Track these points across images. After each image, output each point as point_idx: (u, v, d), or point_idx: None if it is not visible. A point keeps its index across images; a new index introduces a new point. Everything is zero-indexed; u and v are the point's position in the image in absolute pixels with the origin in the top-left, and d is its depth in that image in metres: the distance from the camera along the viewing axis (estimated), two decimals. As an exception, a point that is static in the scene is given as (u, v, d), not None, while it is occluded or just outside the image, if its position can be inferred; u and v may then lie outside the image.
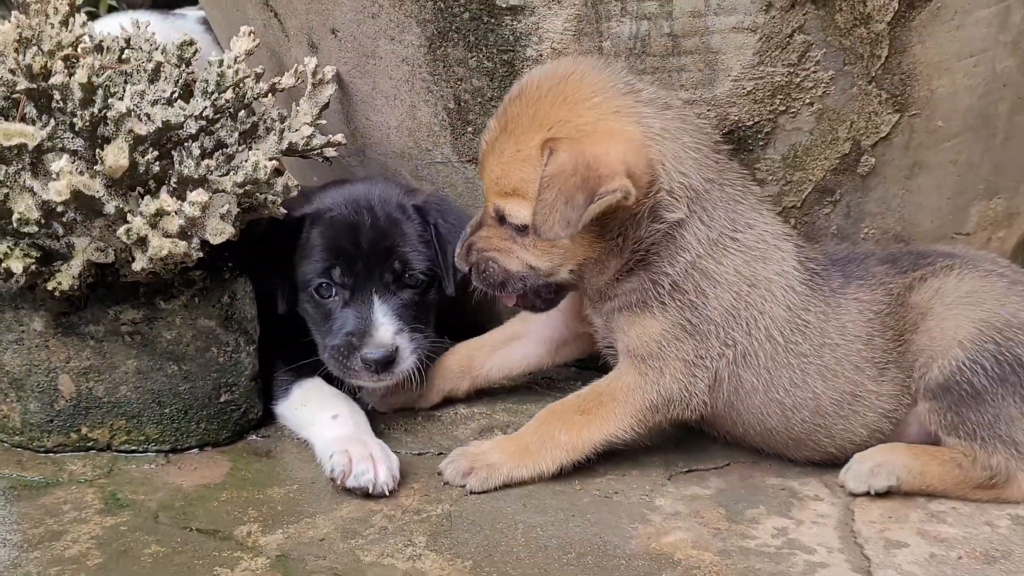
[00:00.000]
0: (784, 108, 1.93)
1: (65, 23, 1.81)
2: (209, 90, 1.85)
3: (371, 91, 2.16)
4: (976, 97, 1.96)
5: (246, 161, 1.80)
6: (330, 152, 2.08)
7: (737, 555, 1.61)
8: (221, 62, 1.93)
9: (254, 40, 2.04)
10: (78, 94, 1.68)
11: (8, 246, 1.68)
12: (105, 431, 1.89)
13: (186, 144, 1.80)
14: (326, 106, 2.10)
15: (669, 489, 1.83)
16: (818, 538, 1.66)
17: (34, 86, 1.71)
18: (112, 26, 2.21)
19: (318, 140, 2.04)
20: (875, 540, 1.66)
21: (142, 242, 1.68)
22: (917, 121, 1.97)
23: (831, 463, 1.87)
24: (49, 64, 1.70)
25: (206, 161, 1.75)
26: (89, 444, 1.90)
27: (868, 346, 1.82)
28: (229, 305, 1.94)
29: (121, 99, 1.71)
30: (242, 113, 1.94)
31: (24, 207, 1.63)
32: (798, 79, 1.90)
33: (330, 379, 2.02)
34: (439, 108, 2.08)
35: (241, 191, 1.78)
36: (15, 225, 1.65)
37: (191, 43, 1.94)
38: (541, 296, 1.86)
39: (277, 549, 1.60)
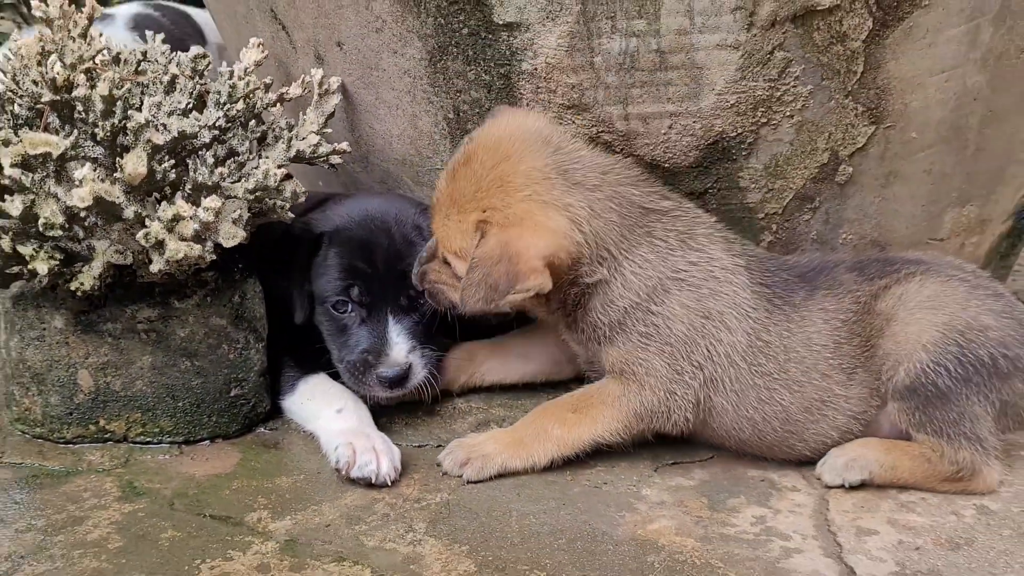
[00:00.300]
0: (766, 120, 2.03)
1: (84, 35, 1.90)
2: (221, 101, 1.95)
3: (374, 101, 2.26)
4: (948, 110, 2.06)
5: (256, 168, 1.90)
6: (335, 159, 2.18)
7: (717, 541, 1.71)
8: (232, 74, 2.03)
9: (263, 51, 2.14)
10: (100, 106, 1.78)
11: (34, 248, 1.78)
12: (122, 423, 1.99)
13: (200, 152, 1.89)
14: (331, 115, 2.20)
15: (655, 480, 1.93)
16: (794, 526, 1.76)
17: (58, 98, 1.81)
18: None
19: (324, 148, 2.14)
20: (847, 528, 1.76)
21: (160, 245, 1.78)
22: (892, 133, 2.07)
23: (808, 461, 1.96)
24: (72, 77, 1.80)
25: (219, 169, 1.85)
26: (106, 436, 2.00)
27: (835, 354, 1.90)
28: (239, 304, 2.04)
29: (139, 110, 1.81)
30: (252, 122, 2.04)
31: (49, 212, 1.73)
32: (779, 93, 2.00)
33: (335, 375, 2.12)
34: (439, 118, 2.18)
35: (252, 197, 1.88)
36: (41, 229, 1.74)
37: (204, 56, 2.04)
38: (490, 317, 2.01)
39: (286, 534, 1.70)
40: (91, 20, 1.94)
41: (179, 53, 2.06)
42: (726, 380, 1.89)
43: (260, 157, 2.00)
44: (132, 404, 1.98)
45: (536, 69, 2.03)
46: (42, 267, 1.78)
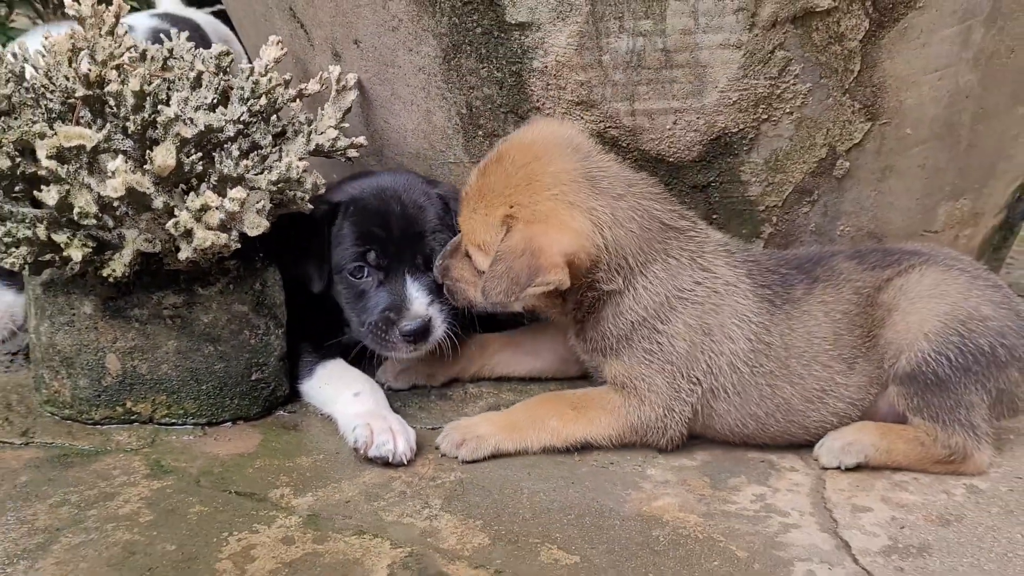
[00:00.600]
0: (766, 117, 2.11)
1: (111, 32, 1.98)
2: (245, 96, 2.03)
3: (390, 97, 2.33)
4: (941, 108, 2.13)
5: (279, 161, 1.98)
6: (352, 153, 2.26)
7: (719, 517, 1.78)
8: (253, 70, 2.11)
9: (282, 49, 2.21)
10: (131, 101, 1.86)
11: (68, 236, 1.86)
12: (148, 405, 2.07)
13: (225, 146, 1.97)
14: (348, 110, 2.28)
15: (659, 460, 2.00)
16: (792, 503, 1.84)
17: (90, 93, 1.89)
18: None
19: (342, 142, 2.22)
20: (843, 505, 1.83)
21: (188, 234, 1.86)
22: (887, 129, 2.14)
23: (807, 445, 2.02)
24: (103, 73, 1.88)
25: (244, 161, 1.93)
26: (133, 417, 2.08)
27: (836, 345, 1.95)
28: (260, 292, 2.12)
29: (168, 105, 1.89)
30: (273, 117, 2.12)
31: (83, 202, 1.81)
32: (779, 91, 2.07)
33: (352, 363, 2.20)
34: (452, 113, 2.26)
35: (275, 188, 1.96)
36: (75, 218, 1.82)
37: (227, 53, 2.12)
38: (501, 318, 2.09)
39: (308, 509, 1.78)
40: (118, 18, 2.02)
41: (203, 50, 2.13)
42: (728, 386, 1.96)
43: (281, 150, 2.08)
44: (158, 387, 2.06)
45: (546, 67, 2.11)
46: (76, 254, 1.86)
